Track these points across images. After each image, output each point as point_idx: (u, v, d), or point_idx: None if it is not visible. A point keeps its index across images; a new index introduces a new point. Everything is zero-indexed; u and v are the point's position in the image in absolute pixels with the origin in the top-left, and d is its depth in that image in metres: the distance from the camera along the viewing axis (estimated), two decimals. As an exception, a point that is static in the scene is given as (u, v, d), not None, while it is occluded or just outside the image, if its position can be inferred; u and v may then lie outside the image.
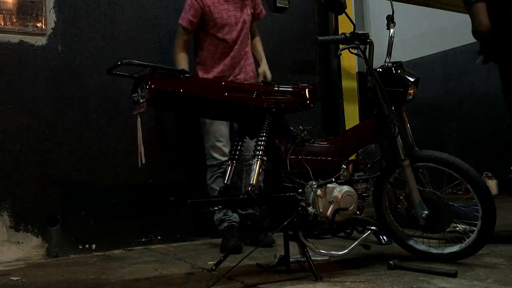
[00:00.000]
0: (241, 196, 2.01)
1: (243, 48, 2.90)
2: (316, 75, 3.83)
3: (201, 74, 2.86)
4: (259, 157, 1.98)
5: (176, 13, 2.99)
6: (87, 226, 2.92)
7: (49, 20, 2.92)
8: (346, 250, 2.03)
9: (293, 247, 2.07)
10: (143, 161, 2.33)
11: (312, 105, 2.15)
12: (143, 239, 3.07)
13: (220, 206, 2.09)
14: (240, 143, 2.15)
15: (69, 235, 2.87)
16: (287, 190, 2.04)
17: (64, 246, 2.86)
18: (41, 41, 2.90)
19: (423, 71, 5.95)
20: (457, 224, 2.33)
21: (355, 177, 2.17)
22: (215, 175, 2.80)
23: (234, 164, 2.09)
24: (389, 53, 2.29)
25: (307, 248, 2.01)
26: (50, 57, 2.91)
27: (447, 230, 2.21)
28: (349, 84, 3.97)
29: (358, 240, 2.07)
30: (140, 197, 3.05)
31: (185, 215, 3.13)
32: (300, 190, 1.99)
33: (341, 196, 1.96)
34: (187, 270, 2.24)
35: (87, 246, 2.91)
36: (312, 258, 2.02)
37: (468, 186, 2.07)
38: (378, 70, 2.23)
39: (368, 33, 2.20)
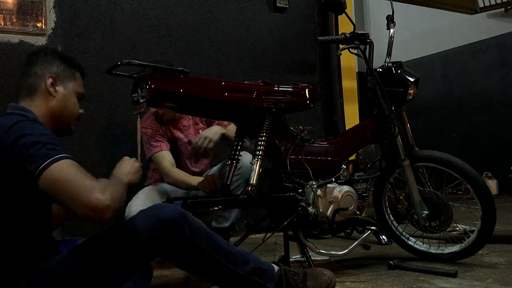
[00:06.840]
0: (241, 196, 2.01)
1: None
2: (316, 75, 3.83)
3: None
4: (259, 157, 1.98)
5: (177, 13, 2.99)
6: (87, 227, 2.91)
7: (49, 20, 2.92)
8: (346, 250, 2.03)
9: (293, 247, 2.07)
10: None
11: (312, 105, 2.14)
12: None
13: (220, 206, 2.09)
14: (240, 143, 2.15)
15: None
16: (287, 190, 2.04)
17: (64, 246, 2.85)
18: (41, 41, 2.90)
19: (423, 71, 5.96)
20: (457, 224, 2.33)
21: (355, 177, 2.17)
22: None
23: (234, 164, 2.09)
24: (389, 53, 2.29)
25: (307, 248, 2.01)
26: (50, 57, 2.90)
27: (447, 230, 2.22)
28: (349, 84, 3.96)
29: (358, 240, 2.07)
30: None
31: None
32: (300, 190, 1.98)
33: (341, 196, 1.96)
34: (187, 270, 2.24)
35: (87, 246, 2.90)
36: (312, 258, 2.03)
37: (468, 186, 2.08)
38: (378, 70, 2.23)
39: (368, 33, 2.20)
